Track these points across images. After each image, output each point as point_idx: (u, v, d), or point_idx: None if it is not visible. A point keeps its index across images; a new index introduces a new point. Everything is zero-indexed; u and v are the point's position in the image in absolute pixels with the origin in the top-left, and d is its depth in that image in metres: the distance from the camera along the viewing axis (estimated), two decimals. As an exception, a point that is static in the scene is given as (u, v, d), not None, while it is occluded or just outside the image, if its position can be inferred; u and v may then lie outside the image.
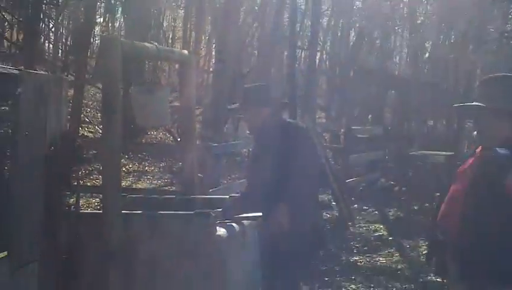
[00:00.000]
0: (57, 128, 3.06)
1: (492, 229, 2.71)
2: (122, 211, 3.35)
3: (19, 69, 2.89)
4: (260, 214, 3.64)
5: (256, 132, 3.87)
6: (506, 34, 26.74)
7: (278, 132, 3.66)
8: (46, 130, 2.95)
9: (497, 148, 2.75)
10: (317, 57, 24.68)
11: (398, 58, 32.15)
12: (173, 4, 27.64)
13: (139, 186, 10.67)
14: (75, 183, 3.90)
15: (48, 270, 3.04)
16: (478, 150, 3.06)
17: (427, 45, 27.61)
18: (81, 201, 6.32)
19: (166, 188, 10.42)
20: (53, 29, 22.44)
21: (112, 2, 22.09)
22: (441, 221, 3.00)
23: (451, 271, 3.02)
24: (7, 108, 2.98)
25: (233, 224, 3.56)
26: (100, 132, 10.67)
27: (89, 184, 8.73)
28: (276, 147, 3.60)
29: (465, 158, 3.22)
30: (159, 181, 11.58)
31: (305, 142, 3.77)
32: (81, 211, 4.08)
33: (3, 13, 20.46)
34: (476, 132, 3.18)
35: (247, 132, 3.80)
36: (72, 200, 3.58)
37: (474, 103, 3.03)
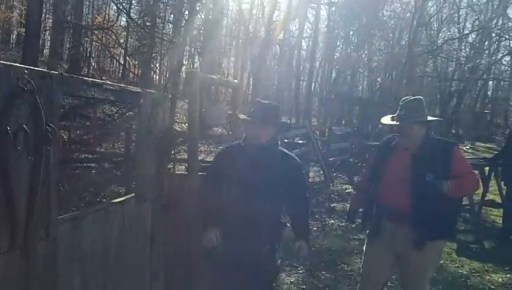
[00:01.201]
0: (161, 124, 3.09)
1: (429, 204, 2.61)
2: (198, 173, 3.38)
3: (140, 90, 2.92)
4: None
5: (258, 146, 2.48)
6: (426, 74, 26.22)
7: (277, 158, 2.49)
8: (156, 125, 2.99)
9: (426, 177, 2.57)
10: (312, 86, 24.45)
11: (360, 87, 31.66)
12: (228, 54, 27.89)
13: (207, 159, 10.71)
14: (172, 157, 3.92)
15: (156, 204, 3.09)
16: (397, 140, 2.86)
17: (378, 79, 27.24)
18: (176, 166, 6.38)
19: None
20: (158, 67, 22.73)
21: (192, 52, 22.24)
22: (392, 200, 2.74)
23: (391, 230, 2.77)
24: (134, 112, 3.01)
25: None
26: (186, 127, 10.75)
27: (179, 157, 8.78)
28: (270, 170, 2.44)
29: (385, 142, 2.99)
30: (219, 157, 11.62)
31: (296, 174, 2.55)
32: (175, 172, 4.13)
33: (129, 58, 20.79)
34: (399, 135, 2.86)
35: (248, 138, 2.58)
36: (171, 166, 3.61)
37: (390, 122, 2.84)
